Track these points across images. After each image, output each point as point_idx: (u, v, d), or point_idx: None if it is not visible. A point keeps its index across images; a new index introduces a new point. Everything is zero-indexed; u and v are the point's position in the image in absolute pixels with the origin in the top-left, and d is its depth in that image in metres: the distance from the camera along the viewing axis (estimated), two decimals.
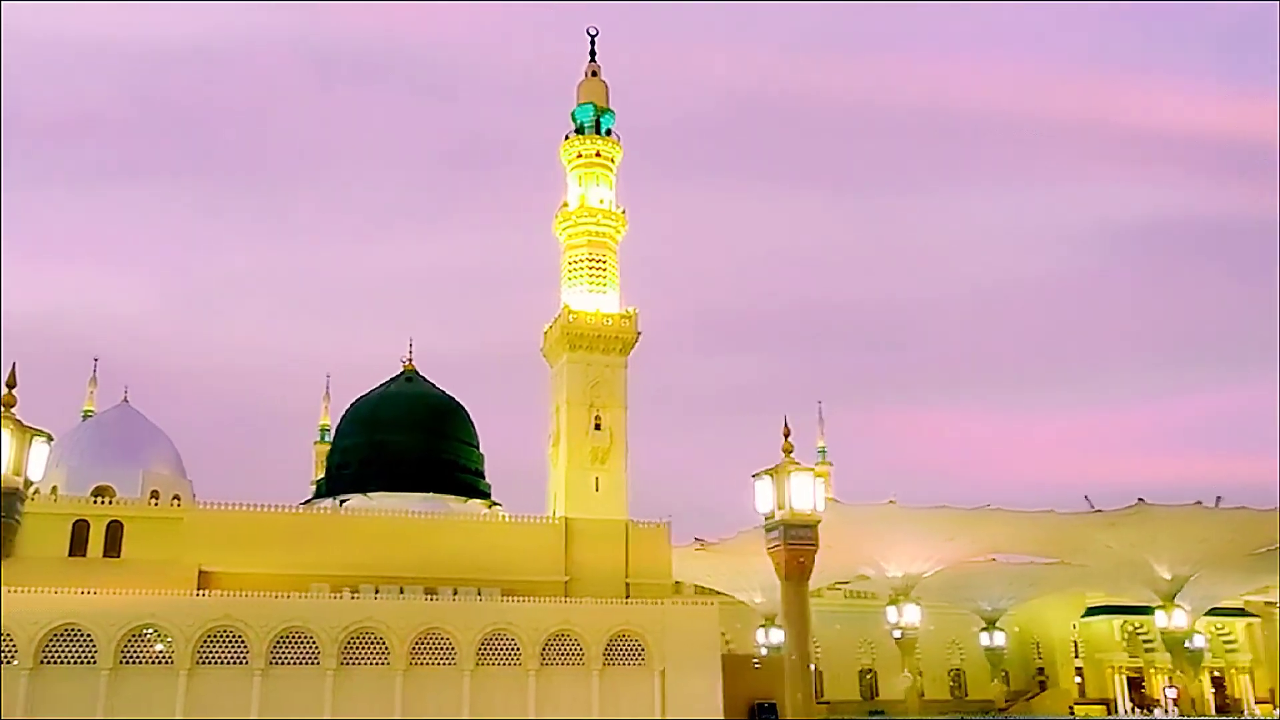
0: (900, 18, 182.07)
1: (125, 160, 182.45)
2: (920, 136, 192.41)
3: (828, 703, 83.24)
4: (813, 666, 30.39)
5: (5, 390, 27.32)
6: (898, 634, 76.62)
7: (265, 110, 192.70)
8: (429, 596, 59.60)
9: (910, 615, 76.03)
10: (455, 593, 60.90)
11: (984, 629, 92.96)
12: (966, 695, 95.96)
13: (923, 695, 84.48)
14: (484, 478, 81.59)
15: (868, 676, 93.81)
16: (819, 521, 28.42)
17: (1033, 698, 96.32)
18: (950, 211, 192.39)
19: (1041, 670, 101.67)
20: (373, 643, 55.98)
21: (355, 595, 58.47)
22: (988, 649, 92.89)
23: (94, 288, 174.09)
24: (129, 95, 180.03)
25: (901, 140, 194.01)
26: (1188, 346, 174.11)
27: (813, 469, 29.69)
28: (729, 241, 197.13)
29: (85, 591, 52.40)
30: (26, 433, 26.55)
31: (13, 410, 27.06)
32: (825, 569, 62.78)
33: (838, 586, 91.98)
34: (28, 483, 26.70)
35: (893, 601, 76.79)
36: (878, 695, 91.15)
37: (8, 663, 49.29)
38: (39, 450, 26.95)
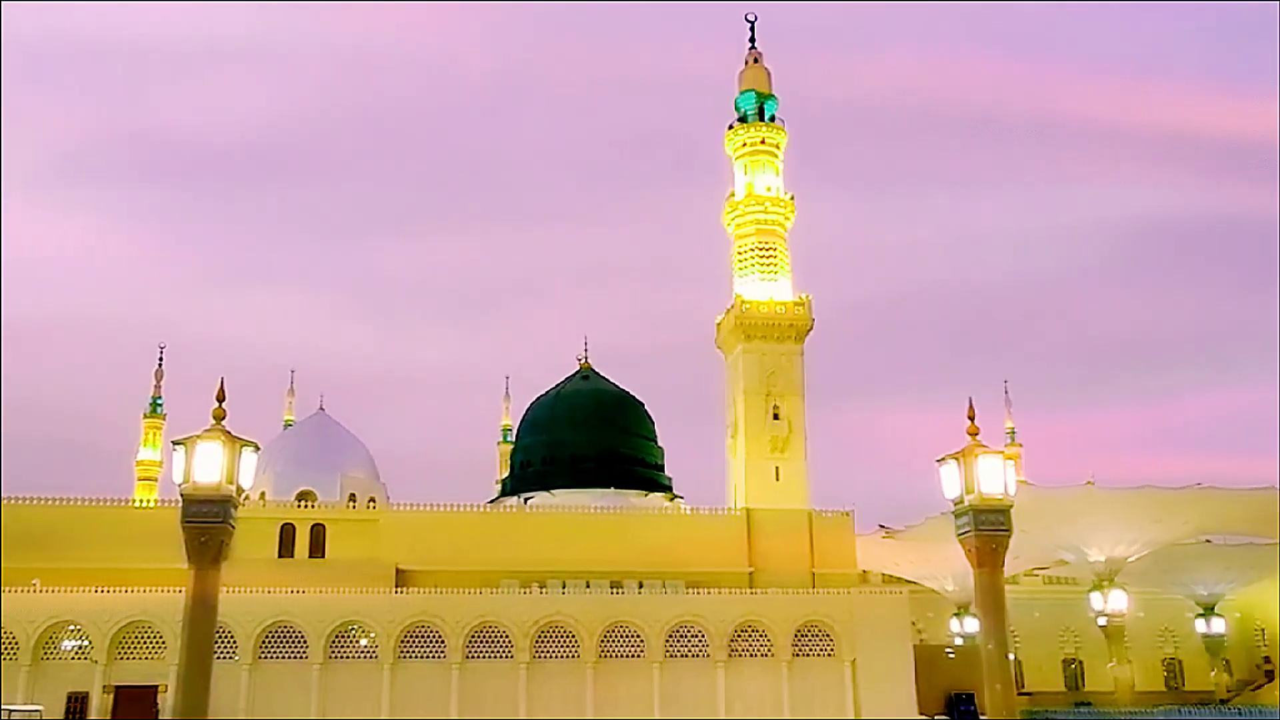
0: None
1: (305, 172, 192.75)
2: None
3: (1029, 694, 79.64)
4: (1011, 656, 29.06)
5: (216, 404, 29.21)
6: (1103, 621, 72.61)
7: (435, 113, 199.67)
8: (614, 590, 60.33)
9: (1116, 602, 71.85)
10: (640, 586, 61.44)
11: (1200, 615, 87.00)
12: (1183, 686, 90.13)
13: (1134, 686, 79.89)
14: (664, 471, 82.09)
15: (1072, 666, 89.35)
16: (1011, 506, 27.07)
17: (1259, 688, 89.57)
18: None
19: (1268, 659, 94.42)
20: (563, 637, 57.14)
21: (543, 590, 59.82)
22: (1205, 637, 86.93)
23: (286, 300, 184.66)
24: (307, 107, 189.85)
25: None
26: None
27: (1001, 451, 28.31)
28: (904, 220, 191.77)
29: (294, 591, 55.64)
30: (236, 443, 28.20)
31: (223, 422, 28.91)
32: (1020, 554, 60.28)
33: (1035, 572, 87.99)
34: (239, 490, 28.43)
35: (1096, 587, 72.78)
36: (1084, 686, 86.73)
37: (230, 658, 52.74)
38: (248, 459, 28.62)
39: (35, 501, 61.12)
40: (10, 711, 47.38)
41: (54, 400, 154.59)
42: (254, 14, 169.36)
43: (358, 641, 55.98)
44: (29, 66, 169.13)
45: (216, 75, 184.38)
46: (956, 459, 27.73)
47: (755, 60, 79.96)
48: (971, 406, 28.79)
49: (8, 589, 54.04)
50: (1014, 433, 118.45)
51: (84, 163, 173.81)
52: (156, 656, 53.44)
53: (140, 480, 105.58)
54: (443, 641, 55.97)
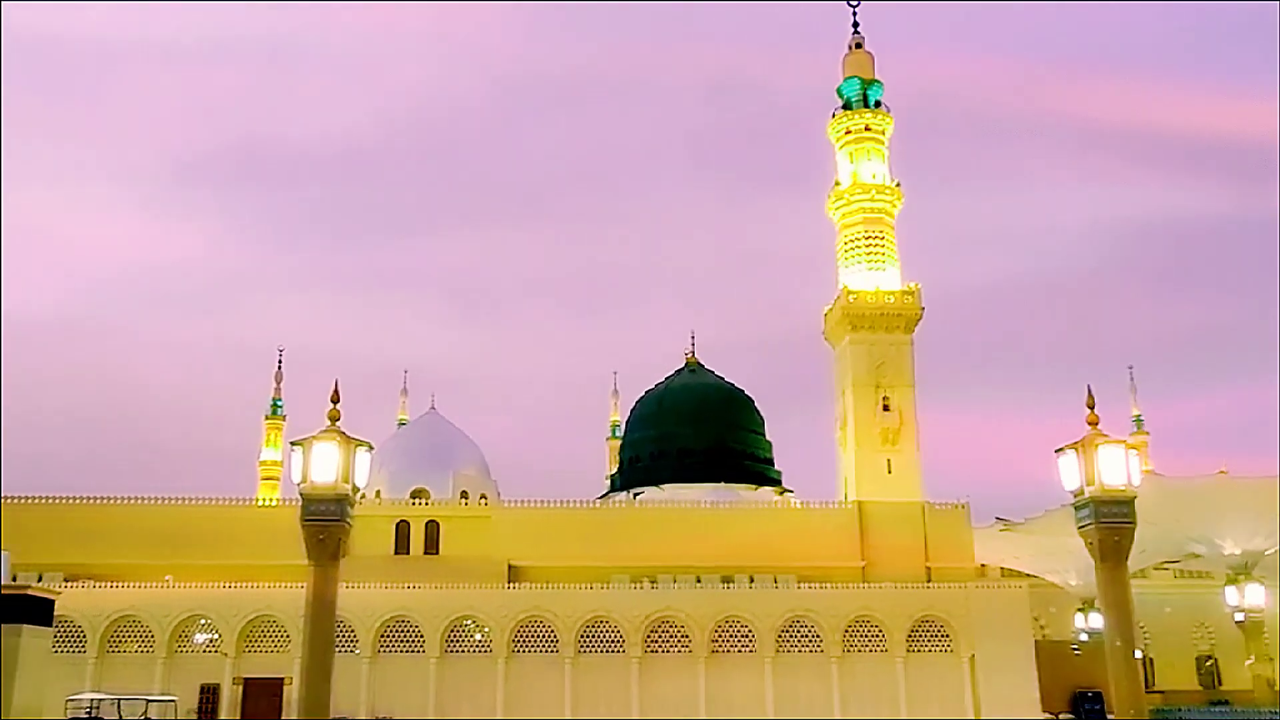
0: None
1: (410, 174, 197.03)
2: None
3: (1161, 692, 76.60)
4: (1139, 653, 27.85)
5: (331, 405, 30.01)
6: (1240, 617, 69.33)
7: (534, 112, 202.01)
8: (725, 585, 60.06)
9: (1254, 596, 68.48)
10: (751, 581, 61.09)
11: None
12: None
13: (1275, 685, 76.10)
14: (773, 465, 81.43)
15: (1207, 664, 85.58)
16: (1134, 497, 25.99)
17: None
18: None
19: None
20: (674, 632, 57.14)
21: (654, 586, 59.91)
22: None
23: (397, 302, 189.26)
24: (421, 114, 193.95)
25: None
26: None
27: (1124, 440, 27.19)
28: (1016, 205, 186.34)
29: (410, 586, 56.90)
30: (351, 443, 28.94)
31: (338, 423, 29.67)
32: (1148, 547, 57.80)
33: (1165, 566, 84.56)
34: (355, 489, 29.17)
35: (1231, 581, 69.58)
36: (1220, 685, 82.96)
37: (350, 652, 54.21)
38: (363, 458, 29.33)
39: (166, 502, 63.86)
40: (148, 702, 49.58)
41: (180, 404, 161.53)
42: (354, 15, 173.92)
43: (472, 636, 56.97)
44: (141, 71, 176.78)
45: (319, 79, 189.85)
46: (1075, 449, 26.73)
47: (858, 46, 78.61)
48: (1091, 394, 27.69)
49: (144, 584, 56.69)
50: (1140, 420, 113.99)
51: (195, 169, 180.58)
52: (282, 650, 55.30)
53: (263, 480, 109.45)
54: (555, 636, 56.56)
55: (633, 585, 59.75)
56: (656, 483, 75.60)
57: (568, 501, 67.20)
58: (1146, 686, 65.79)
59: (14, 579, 34.76)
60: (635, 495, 75.47)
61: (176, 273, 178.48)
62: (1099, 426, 27.34)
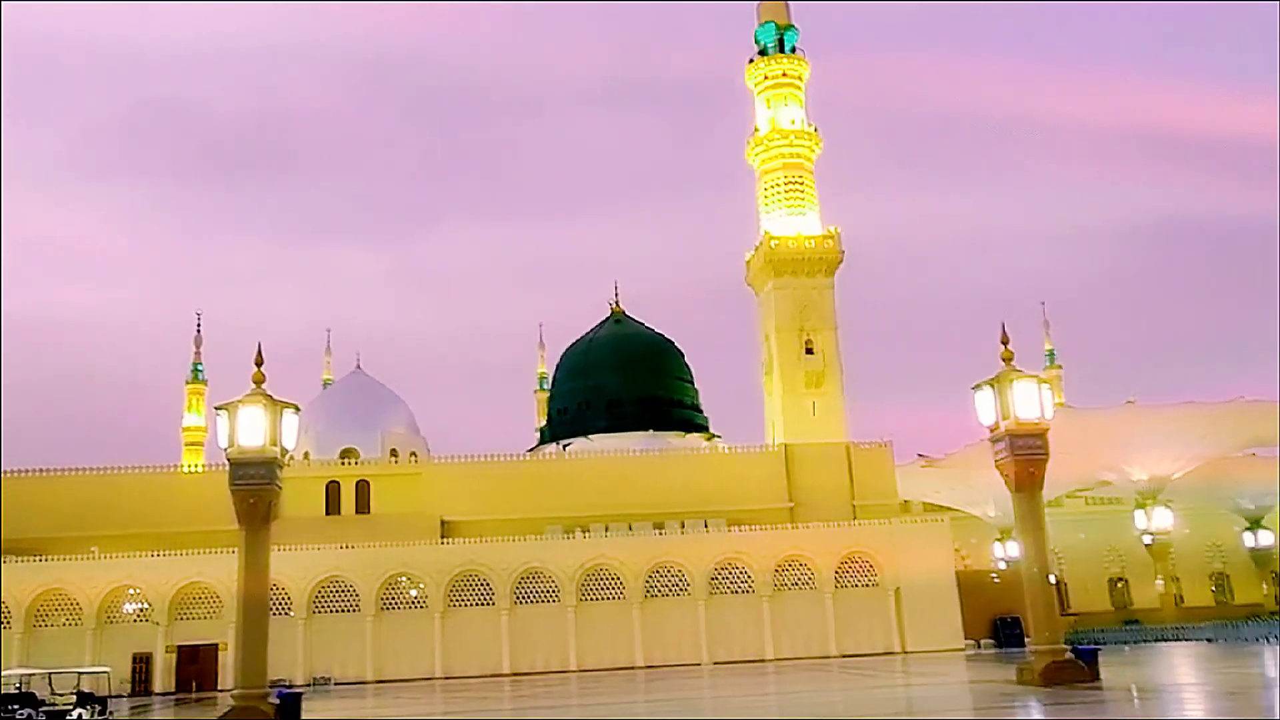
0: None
1: (351, 145, 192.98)
2: None
3: (1075, 614, 79.97)
4: (1054, 578, 29.14)
5: (255, 368, 29.63)
6: (1148, 539, 72.60)
7: (457, 100, 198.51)
8: (657, 532, 60.95)
9: (1161, 519, 71.77)
10: (683, 526, 62.01)
11: (1247, 529, 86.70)
12: (1232, 600, 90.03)
13: (1181, 602, 79.92)
14: (701, 411, 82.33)
15: (1119, 585, 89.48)
16: (1047, 430, 27.09)
17: None
18: None
19: None
20: (608, 579, 57.92)
21: (586, 535, 60.56)
22: (1253, 550, 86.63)
23: (322, 263, 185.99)
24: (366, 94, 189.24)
25: None
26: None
27: (1037, 376, 28.29)
28: (934, 146, 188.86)
29: (343, 546, 56.76)
30: (278, 405, 28.72)
31: (263, 386, 29.35)
32: (1061, 477, 60.04)
33: (1077, 494, 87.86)
34: (283, 451, 28.97)
35: (1140, 505, 72.73)
36: (1131, 604, 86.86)
37: (285, 614, 54.01)
38: (290, 420, 29.14)
39: (88, 472, 62.57)
40: (80, 674, 48.85)
41: (102, 376, 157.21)
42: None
43: (408, 592, 57.13)
44: (40, 48, 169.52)
45: (271, 66, 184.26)
46: (991, 385, 27.72)
47: None
48: (1005, 331, 28.67)
49: (69, 557, 55.67)
50: (1053, 354, 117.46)
51: (99, 142, 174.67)
52: (215, 616, 54.88)
53: (187, 445, 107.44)
54: (490, 589, 56.98)
55: (565, 536, 60.32)
56: (585, 433, 76.04)
57: (497, 455, 67.39)
58: (1062, 609, 68.62)
59: None
60: (564, 446, 75.83)
61: (86, 245, 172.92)
62: (1013, 362, 28.35)
